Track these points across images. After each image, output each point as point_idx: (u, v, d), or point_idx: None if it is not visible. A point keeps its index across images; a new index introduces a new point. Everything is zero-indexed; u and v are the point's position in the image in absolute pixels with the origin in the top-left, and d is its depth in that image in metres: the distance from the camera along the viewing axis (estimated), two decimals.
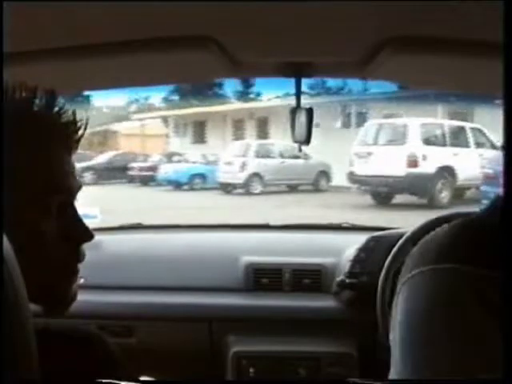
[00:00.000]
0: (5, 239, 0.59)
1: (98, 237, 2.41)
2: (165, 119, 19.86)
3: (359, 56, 1.18)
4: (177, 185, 14.89)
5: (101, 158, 16.76)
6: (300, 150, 1.50)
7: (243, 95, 14.22)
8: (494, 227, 0.70)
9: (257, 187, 13.84)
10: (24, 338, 0.60)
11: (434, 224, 1.84)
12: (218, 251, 2.17)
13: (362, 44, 1.11)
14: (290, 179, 14.06)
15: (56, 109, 0.80)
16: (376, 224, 2.45)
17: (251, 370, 1.86)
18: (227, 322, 1.96)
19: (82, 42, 1.08)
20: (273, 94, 13.90)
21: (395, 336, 0.75)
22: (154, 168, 15.59)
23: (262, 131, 17.07)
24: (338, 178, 12.95)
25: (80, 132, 0.83)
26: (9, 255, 0.59)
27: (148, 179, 15.53)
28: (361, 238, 2.01)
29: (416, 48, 1.07)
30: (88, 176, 14.81)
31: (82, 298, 2.09)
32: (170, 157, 16.27)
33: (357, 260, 1.96)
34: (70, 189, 0.82)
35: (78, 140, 0.83)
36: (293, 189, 14.15)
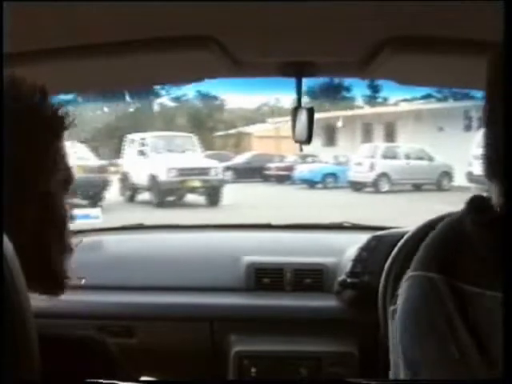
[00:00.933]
0: (4, 236, 0.60)
1: (99, 237, 2.41)
2: None
3: (360, 56, 1.18)
4: (311, 183, 16.11)
5: (239, 159, 18.08)
6: (301, 150, 1.49)
7: (371, 99, 14.81)
8: (472, 232, 0.71)
9: (384, 186, 15.09)
10: (26, 338, 0.60)
11: (435, 224, 1.84)
12: (219, 251, 2.17)
13: (363, 44, 1.11)
14: (415, 179, 15.28)
15: (45, 103, 0.80)
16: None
17: (253, 369, 1.86)
18: (228, 322, 1.96)
19: (82, 42, 1.08)
20: (400, 98, 14.86)
21: (393, 335, 0.77)
22: (289, 168, 16.94)
23: (389, 134, 18.22)
24: (460, 179, 13.76)
25: (66, 126, 0.83)
26: (9, 253, 0.59)
27: (284, 178, 16.91)
28: (362, 238, 2.01)
29: (416, 48, 1.07)
30: (228, 175, 15.86)
31: (84, 298, 2.09)
32: (303, 158, 17.37)
33: (358, 259, 1.95)
34: (58, 179, 0.84)
35: (62, 132, 0.84)
36: (417, 188, 15.36)
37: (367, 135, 18.68)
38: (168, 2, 0.91)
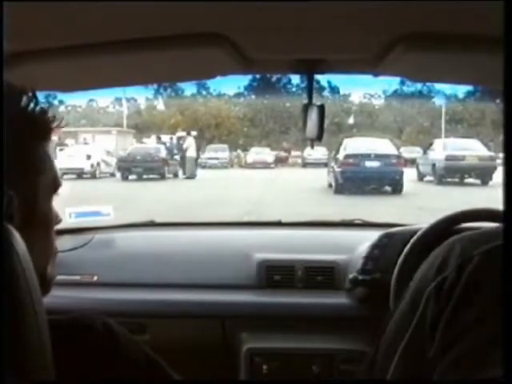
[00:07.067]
0: (17, 235, 0.60)
1: (110, 234, 2.41)
2: None
3: (372, 53, 1.17)
4: None
5: None
6: (312, 147, 1.49)
7: None
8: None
9: None
10: (39, 336, 0.61)
11: (448, 222, 1.83)
12: (230, 248, 2.17)
13: (375, 41, 1.11)
14: None
15: (30, 106, 0.79)
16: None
17: (264, 366, 1.86)
18: (240, 319, 1.96)
19: (93, 40, 1.08)
20: None
21: None
22: None
23: None
24: None
25: (50, 129, 0.82)
26: (22, 251, 0.59)
27: None
28: (374, 235, 2.00)
29: (429, 44, 1.06)
30: None
31: (95, 295, 2.09)
32: None
33: (370, 257, 1.95)
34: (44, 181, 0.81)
35: (48, 135, 0.82)
36: None
37: None
38: (179, 1, 0.91)
